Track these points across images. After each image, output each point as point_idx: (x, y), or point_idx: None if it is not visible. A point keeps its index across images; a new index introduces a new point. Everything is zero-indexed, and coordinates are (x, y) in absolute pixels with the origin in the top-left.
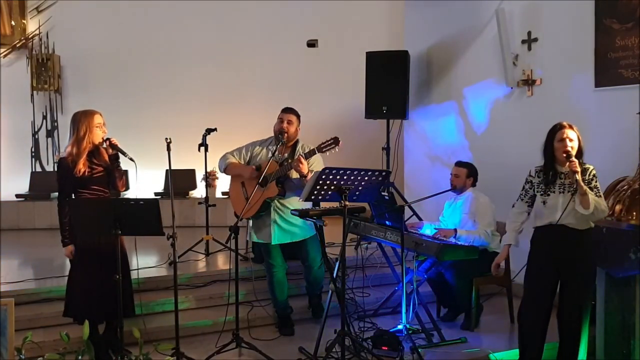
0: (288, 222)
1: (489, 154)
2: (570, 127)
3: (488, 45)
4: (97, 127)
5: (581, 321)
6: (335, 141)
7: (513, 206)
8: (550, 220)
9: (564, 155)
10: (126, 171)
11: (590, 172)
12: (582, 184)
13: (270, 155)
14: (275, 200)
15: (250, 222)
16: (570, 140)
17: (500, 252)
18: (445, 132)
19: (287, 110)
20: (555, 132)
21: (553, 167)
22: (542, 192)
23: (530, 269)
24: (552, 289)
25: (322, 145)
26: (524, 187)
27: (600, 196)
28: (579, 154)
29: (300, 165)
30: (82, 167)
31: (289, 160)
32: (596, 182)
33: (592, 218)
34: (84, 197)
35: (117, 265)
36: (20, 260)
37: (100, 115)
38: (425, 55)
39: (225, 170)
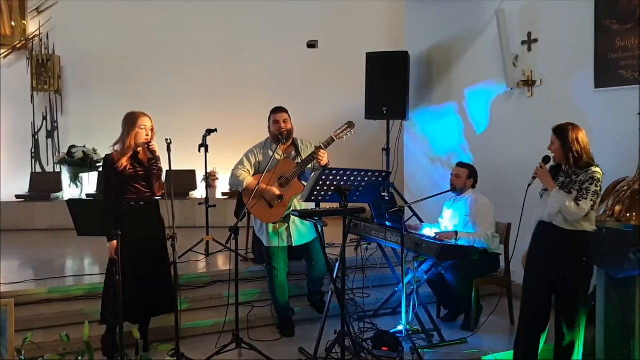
0: (303, 223)
1: (489, 154)
2: (557, 129)
3: (488, 46)
4: (141, 128)
5: (570, 322)
6: (350, 124)
7: None
8: (541, 216)
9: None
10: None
11: (590, 173)
12: (550, 181)
13: (271, 157)
14: (295, 201)
15: (264, 227)
16: (551, 142)
17: None
18: (446, 132)
19: (279, 110)
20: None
21: (559, 164)
22: (544, 187)
23: (526, 266)
24: (546, 287)
25: (338, 132)
26: None
27: (584, 199)
28: (577, 155)
29: (323, 156)
30: (124, 162)
31: (300, 155)
32: (590, 184)
33: (568, 218)
34: (127, 194)
35: (118, 266)
36: (21, 261)
37: (149, 118)
38: (426, 56)
39: (244, 188)
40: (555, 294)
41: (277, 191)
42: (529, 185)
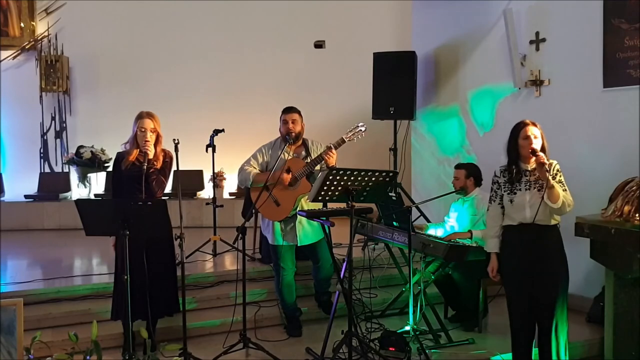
0: (310, 223)
1: (496, 154)
2: (534, 124)
3: (496, 45)
4: (140, 130)
5: (562, 316)
6: (362, 127)
7: (487, 210)
8: (521, 219)
9: (530, 152)
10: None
11: (554, 167)
12: (549, 177)
13: (280, 156)
14: (302, 201)
15: (271, 225)
16: (535, 137)
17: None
18: (453, 132)
19: (289, 111)
20: (519, 130)
21: (517, 165)
22: (508, 191)
23: (505, 271)
24: (529, 290)
25: (349, 133)
26: (492, 189)
27: (565, 190)
28: (542, 150)
29: (332, 156)
30: (128, 162)
31: (310, 156)
32: (561, 176)
33: (559, 212)
34: (126, 194)
35: (125, 266)
36: (29, 260)
37: (150, 120)
38: (433, 55)
39: (252, 184)
40: (542, 292)
41: (289, 177)
42: (549, 177)
